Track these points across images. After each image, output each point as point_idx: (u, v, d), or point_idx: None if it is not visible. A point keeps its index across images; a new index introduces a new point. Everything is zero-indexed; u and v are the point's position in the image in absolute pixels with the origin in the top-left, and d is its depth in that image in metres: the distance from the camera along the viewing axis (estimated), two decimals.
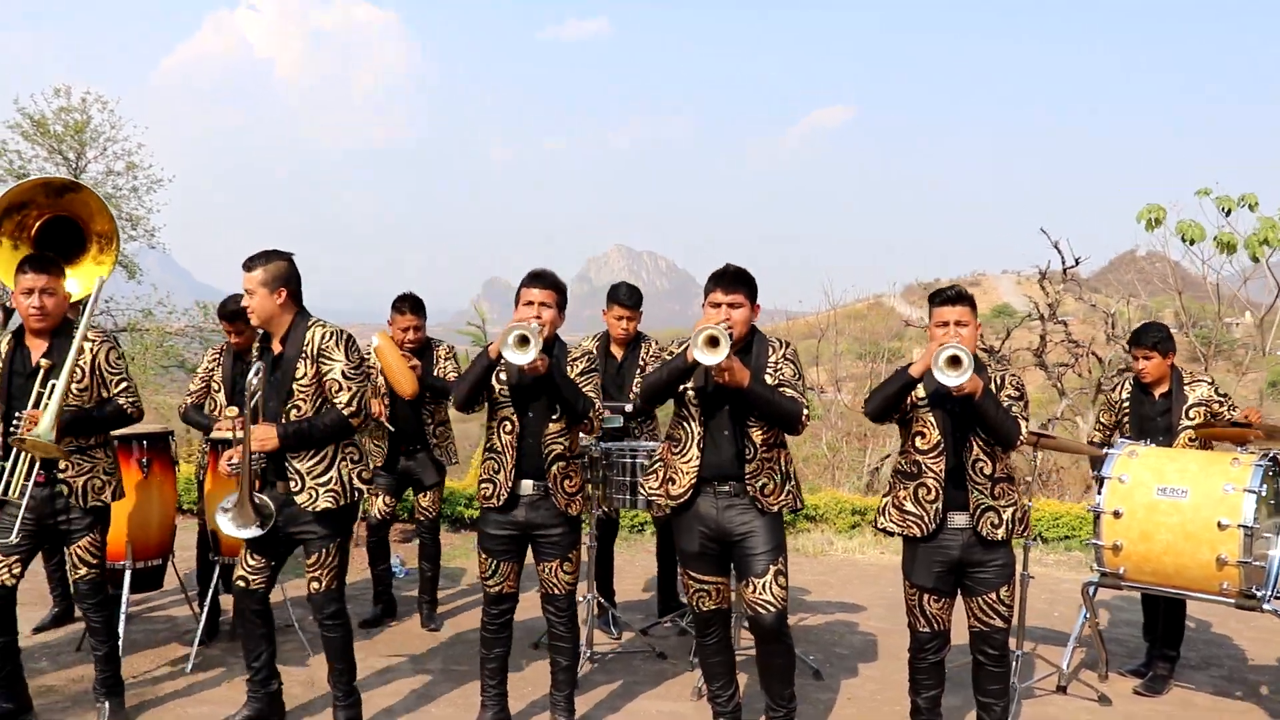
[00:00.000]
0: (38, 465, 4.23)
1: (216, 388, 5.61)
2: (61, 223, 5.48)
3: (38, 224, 5.43)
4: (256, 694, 4.46)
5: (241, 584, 4.32)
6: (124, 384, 4.45)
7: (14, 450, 4.21)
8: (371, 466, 5.39)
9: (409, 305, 5.88)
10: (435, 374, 5.86)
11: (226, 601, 5.74)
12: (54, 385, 4.22)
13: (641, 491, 4.41)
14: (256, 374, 4.16)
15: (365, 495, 4.40)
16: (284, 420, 4.18)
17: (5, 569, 4.31)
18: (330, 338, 4.22)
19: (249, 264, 4.18)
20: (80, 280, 5.44)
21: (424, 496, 6.04)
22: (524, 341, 4.00)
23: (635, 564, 7.89)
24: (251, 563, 4.32)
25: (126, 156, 17.21)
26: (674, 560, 6.30)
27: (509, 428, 4.31)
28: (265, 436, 4.12)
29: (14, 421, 4.22)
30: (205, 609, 5.37)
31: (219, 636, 5.59)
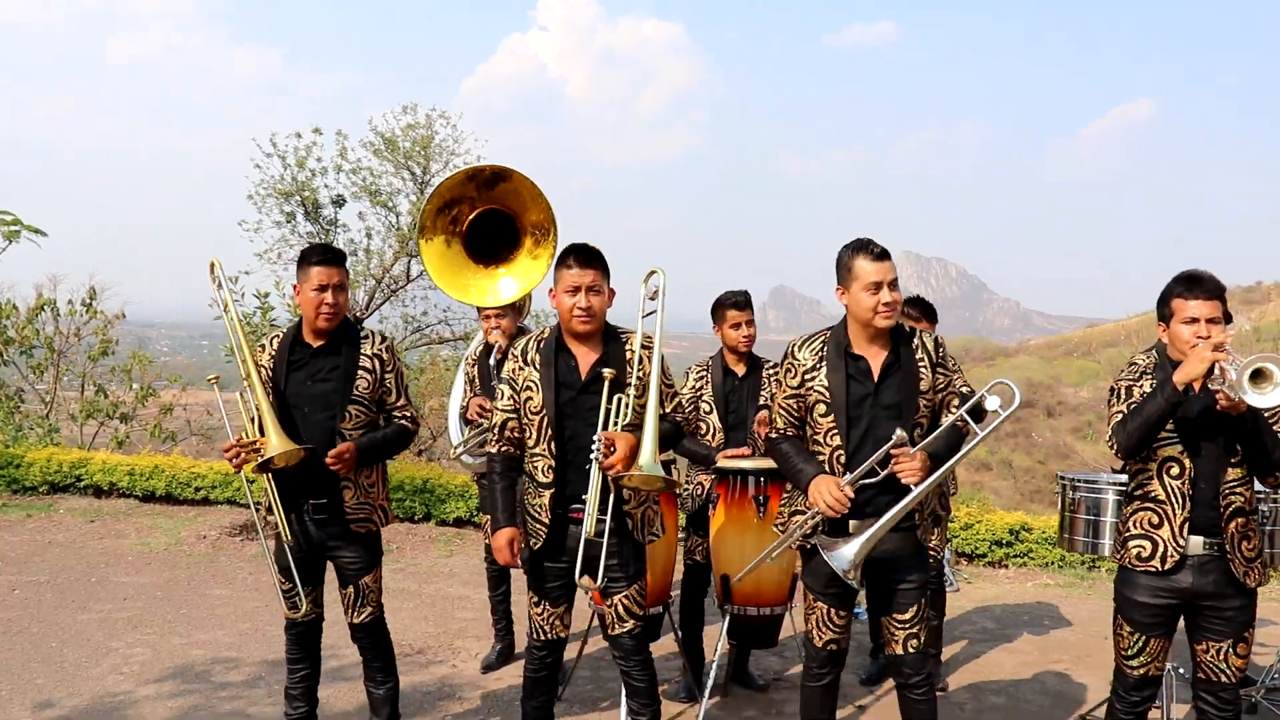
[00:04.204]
0: (611, 499, 3.57)
1: (708, 408, 4.91)
2: (494, 216, 4.97)
3: (470, 218, 4.94)
4: None
5: (834, 646, 3.59)
6: (676, 398, 3.78)
7: (594, 482, 3.54)
8: None
9: (920, 310, 5.02)
10: None
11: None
12: (620, 401, 3.56)
13: None
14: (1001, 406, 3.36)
15: None
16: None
17: (556, 619, 3.74)
18: (942, 344, 3.55)
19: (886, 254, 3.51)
20: (517, 278, 4.89)
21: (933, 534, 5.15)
22: (1260, 376, 2.99)
23: None
24: (838, 621, 3.58)
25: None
26: None
27: (1176, 471, 3.34)
28: (919, 466, 3.34)
29: (591, 445, 3.52)
30: (713, 663, 4.68)
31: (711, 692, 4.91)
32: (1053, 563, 7.83)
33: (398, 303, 17.11)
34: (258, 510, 4.08)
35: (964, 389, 5.06)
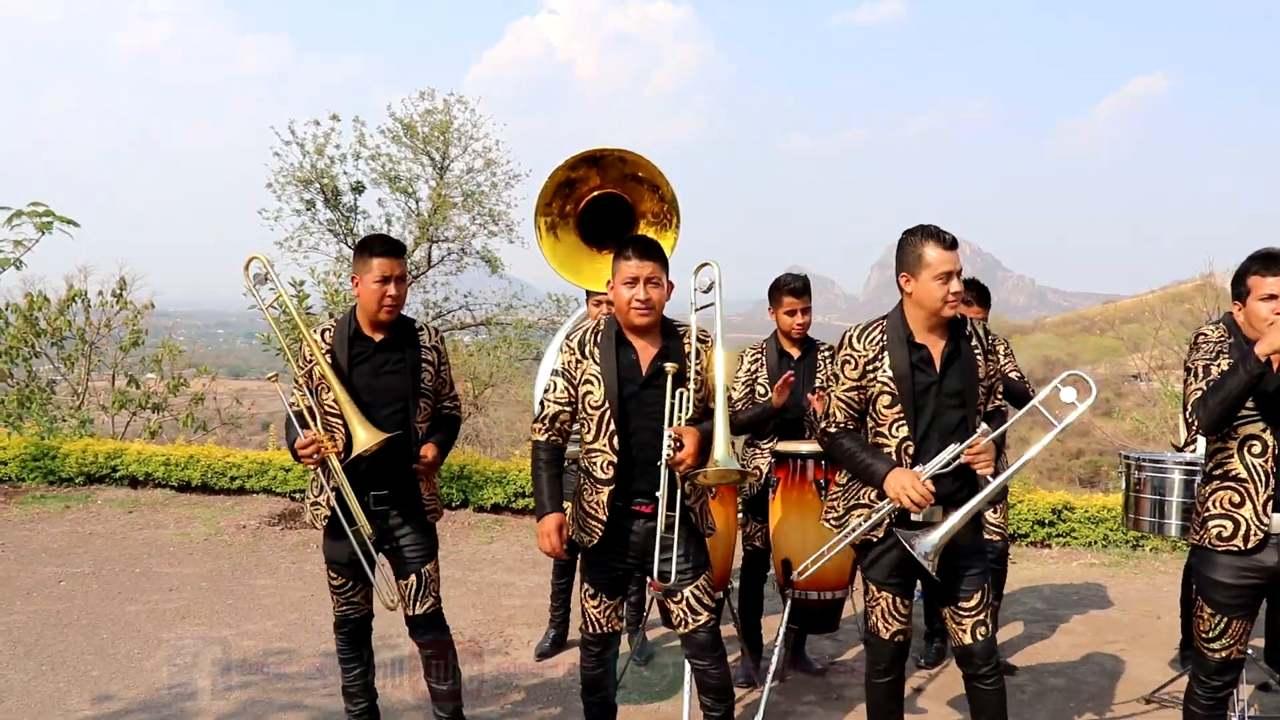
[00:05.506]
0: (678, 495, 3.53)
1: (763, 391, 4.86)
2: (610, 200, 4.91)
3: (588, 198, 4.86)
4: None
5: (900, 638, 3.55)
6: (728, 390, 3.78)
7: (668, 478, 3.48)
8: None
9: (975, 293, 4.96)
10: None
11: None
12: (682, 396, 3.53)
13: None
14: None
15: None
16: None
17: (611, 612, 3.71)
18: (990, 332, 3.58)
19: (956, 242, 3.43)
20: None
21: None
22: None
23: None
24: (904, 610, 3.54)
25: (485, 154, 17.34)
26: None
27: (1258, 449, 3.28)
28: (993, 456, 3.31)
29: (656, 441, 3.49)
30: (779, 648, 4.65)
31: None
32: (1095, 542, 7.78)
33: (419, 288, 17.09)
34: (302, 501, 4.00)
35: (1012, 374, 5.02)
